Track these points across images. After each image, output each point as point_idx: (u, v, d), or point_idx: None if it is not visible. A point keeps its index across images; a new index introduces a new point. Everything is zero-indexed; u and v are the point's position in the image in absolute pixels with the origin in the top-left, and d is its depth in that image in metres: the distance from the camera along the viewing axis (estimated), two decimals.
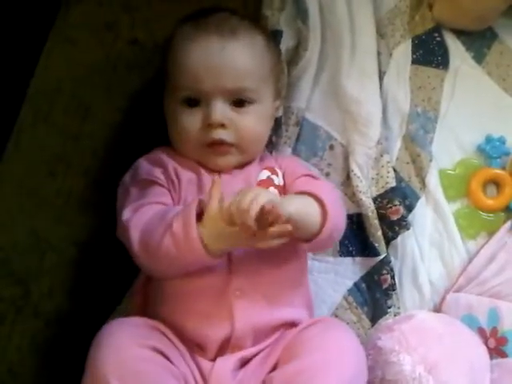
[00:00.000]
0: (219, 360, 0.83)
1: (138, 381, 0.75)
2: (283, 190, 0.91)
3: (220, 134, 0.88)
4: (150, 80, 1.00)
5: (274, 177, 0.91)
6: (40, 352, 0.91)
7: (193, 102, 0.89)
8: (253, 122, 0.90)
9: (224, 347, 0.83)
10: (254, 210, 0.75)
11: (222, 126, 0.88)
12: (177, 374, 0.78)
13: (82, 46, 1.00)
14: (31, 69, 0.97)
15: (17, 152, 0.95)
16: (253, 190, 0.79)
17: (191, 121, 0.89)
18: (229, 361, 0.82)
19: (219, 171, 0.90)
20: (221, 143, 0.88)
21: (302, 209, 0.82)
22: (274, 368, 0.82)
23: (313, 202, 0.85)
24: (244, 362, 0.84)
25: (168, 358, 0.78)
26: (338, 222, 0.87)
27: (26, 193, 0.93)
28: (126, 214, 0.85)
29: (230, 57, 0.87)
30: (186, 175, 0.89)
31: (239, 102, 0.89)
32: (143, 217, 0.83)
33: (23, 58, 0.97)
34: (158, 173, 0.89)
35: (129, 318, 0.83)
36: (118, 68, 1.02)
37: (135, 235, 0.82)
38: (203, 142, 0.89)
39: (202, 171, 0.90)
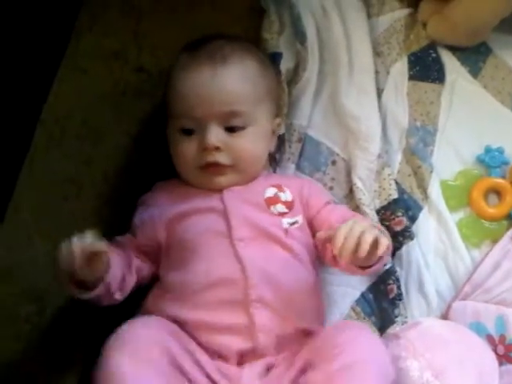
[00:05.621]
0: (247, 366, 0.85)
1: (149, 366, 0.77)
2: (291, 206, 0.94)
3: (215, 157, 0.91)
4: (158, 105, 1.04)
5: (280, 194, 0.94)
6: (56, 367, 0.93)
7: (189, 132, 0.93)
8: (248, 144, 0.92)
9: (248, 356, 0.85)
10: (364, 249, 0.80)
11: (217, 149, 0.91)
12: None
13: (91, 74, 1.05)
14: (44, 96, 1.02)
15: (31, 176, 0.99)
16: (358, 225, 0.82)
17: (187, 147, 0.92)
18: (256, 366, 0.85)
19: (220, 190, 0.92)
20: (216, 165, 0.91)
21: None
22: (303, 369, 0.83)
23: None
24: (270, 367, 0.86)
25: (179, 365, 0.80)
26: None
27: (41, 215, 0.97)
28: None
29: (221, 84, 0.91)
30: (177, 207, 0.92)
31: (233, 126, 0.92)
32: None
33: (37, 85, 1.02)
34: (137, 219, 0.94)
35: (151, 317, 0.85)
36: (126, 94, 1.06)
37: None
38: (199, 165, 0.92)
39: (201, 199, 0.92)
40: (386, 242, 0.82)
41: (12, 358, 0.90)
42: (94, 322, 0.94)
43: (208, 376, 0.83)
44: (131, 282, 0.89)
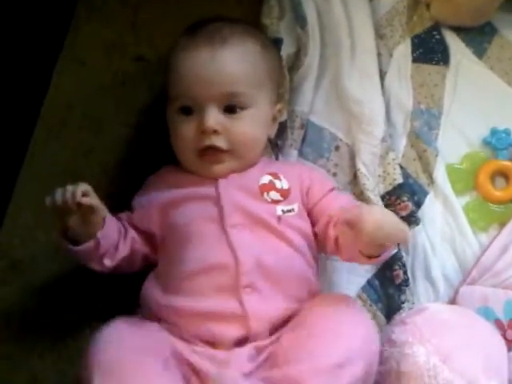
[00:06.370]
0: (237, 350, 0.83)
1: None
2: (287, 193, 0.93)
3: (213, 140, 0.90)
4: (158, 94, 1.03)
5: (276, 181, 0.93)
6: (61, 360, 0.93)
7: (188, 111, 0.92)
8: (247, 128, 0.91)
9: (240, 342, 0.84)
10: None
11: (215, 132, 0.90)
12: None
13: (90, 65, 1.05)
14: (44, 88, 1.02)
15: (31, 168, 0.99)
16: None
17: (186, 128, 0.91)
18: (245, 349, 0.83)
19: (215, 178, 0.92)
20: (214, 150, 0.90)
21: None
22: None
23: None
24: (261, 349, 0.84)
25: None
26: None
27: (41, 207, 0.96)
28: None
29: (220, 65, 0.90)
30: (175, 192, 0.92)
31: (232, 108, 0.91)
32: None
33: (36, 78, 1.02)
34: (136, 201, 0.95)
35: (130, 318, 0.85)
36: (125, 84, 1.06)
37: None
38: (197, 148, 0.91)
39: (196, 187, 0.91)
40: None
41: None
42: (95, 319, 0.94)
43: (190, 365, 0.82)
44: (124, 251, 0.90)
